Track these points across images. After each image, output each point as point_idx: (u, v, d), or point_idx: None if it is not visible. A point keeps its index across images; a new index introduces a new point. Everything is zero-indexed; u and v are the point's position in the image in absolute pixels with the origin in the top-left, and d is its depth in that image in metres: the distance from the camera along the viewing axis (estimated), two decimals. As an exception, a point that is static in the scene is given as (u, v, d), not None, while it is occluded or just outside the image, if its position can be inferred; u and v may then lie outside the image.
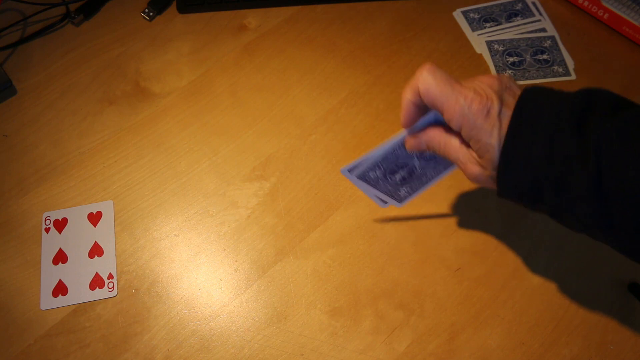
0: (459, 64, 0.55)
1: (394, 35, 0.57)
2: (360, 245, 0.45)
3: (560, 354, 0.41)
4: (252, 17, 0.58)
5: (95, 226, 0.46)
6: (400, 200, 0.43)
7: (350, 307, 0.43)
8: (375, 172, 0.40)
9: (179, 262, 0.45)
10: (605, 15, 0.57)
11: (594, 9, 0.57)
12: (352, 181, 0.41)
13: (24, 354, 0.41)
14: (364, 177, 0.41)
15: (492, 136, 0.33)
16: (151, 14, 0.58)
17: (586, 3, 0.58)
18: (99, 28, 0.57)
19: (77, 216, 0.46)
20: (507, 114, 0.33)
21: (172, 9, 0.59)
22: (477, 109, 0.34)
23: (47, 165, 0.49)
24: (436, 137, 0.37)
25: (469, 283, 0.44)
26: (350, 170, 0.40)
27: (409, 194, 0.43)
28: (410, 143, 0.38)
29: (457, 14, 0.59)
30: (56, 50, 0.56)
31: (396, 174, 0.41)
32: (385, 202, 0.43)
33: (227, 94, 0.53)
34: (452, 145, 0.36)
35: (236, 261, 0.45)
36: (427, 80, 0.37)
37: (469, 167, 0.36)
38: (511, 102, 0.34)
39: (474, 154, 0.35)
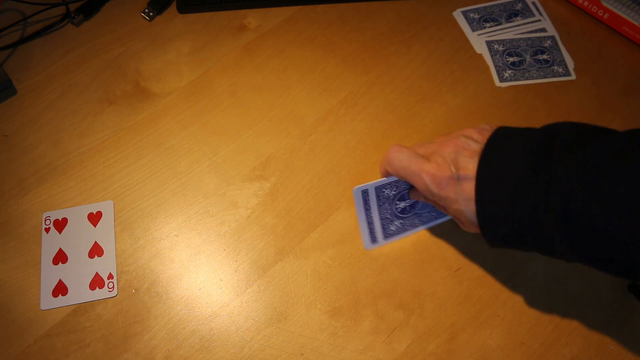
0: (459, 64, 0.55)
1: (394, 35, 0.57)
2: (360, 245, 0.45)
3: (560, 354, 0.41)
4: (252, 17, 0.58)
5: (95, 226, 0.46)
6: (385, 237, 0.44)
7: (350, 307, 0.43)
8: (390, 191, 0.42)
9: (179, 262, 0.45)
10: (605, 15, 0.57)
11: (594, 9, 0.57)
12: (357, 204, 0.42)
13: (24, 354, 0.41)
14: (378, 191, 0.42)
15: (458, 202, 0.35)
16: (151, 14, 0.58)
17: (586, 3, 0.58)
18: (99, 28, 0.57)
19: (77, 216, 0.46)
20: (466, 177, 0.34)
21: (172, 9, 0.59)
22: (437, 183, 0.35)
23: (47, 165, 0.49)
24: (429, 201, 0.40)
25: (469, 283, 0.44)
26: (364, 191, 0.41)
27: (397, 233, 0.45)
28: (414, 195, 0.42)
29: (457, 14, 0.59)
30: (56, 50, 0.56)
31: (402, 202, 0.43)
32: (373, 240, 0.44)
33: (227, 94, 0.53)
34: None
35: (236, 261, 0.45)
36: (394, 164, 0.39)
37: (461, 225, 0.38)
38: (468, 164, 0.35)
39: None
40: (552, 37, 0.56)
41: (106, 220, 0.46)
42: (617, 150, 0.29)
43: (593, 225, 0.29)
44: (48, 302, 0.42)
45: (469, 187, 0.34)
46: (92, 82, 0.54)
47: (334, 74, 0.54)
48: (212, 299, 0.43)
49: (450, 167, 0.35)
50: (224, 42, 0.56)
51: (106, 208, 0.47)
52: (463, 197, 0.34)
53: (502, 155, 0.34)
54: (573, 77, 0.54)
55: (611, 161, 0.29)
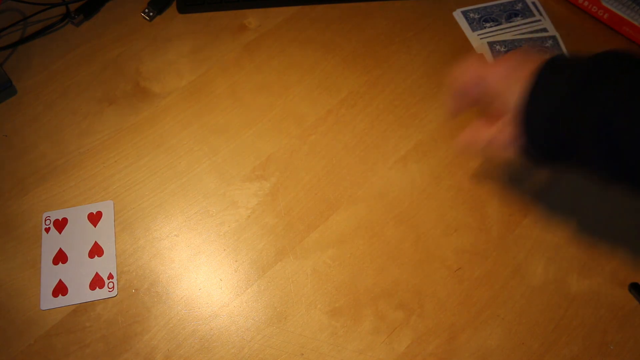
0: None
1: (394, 35, 0.57)
2: (360, 245, 0.45)
3: (560, 354, 0.41)
4: (252, 17, 0.58)
5: (95, 226, 0.46)
6: None
7: (350, 307, 0.43)
8: None
9: (179, 262, 0.45)
10: (605, 15, 0.57)
11: (594, 9, 0.57)
12: None
13: (24, 354, 0.41)
14: None
15: (514, 92, 0.36)
16: (151, 14, 0.58)
17: (586, 3, 0.58)
18: (99, 28, 0.57)
19: (77, 216, 0.46)
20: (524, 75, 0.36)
21: (172, 9, 0.59)
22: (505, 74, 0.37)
23: (47, 165, 0.49)
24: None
25: (469, 283, 0.44)
26: None
27: None
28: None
29: (457, 14, 0.59)
30: (56, 50, 0.56)
31: None
32: None
33: (227, 94, 0.53)
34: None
35: (236, 261, 0.45)
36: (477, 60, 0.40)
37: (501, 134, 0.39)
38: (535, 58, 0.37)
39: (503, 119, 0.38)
40: (554, 37, 0.56)
41: (106, 220, 0.46)
42: None
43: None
44: (48, 302, 0.42)
45: (527, 75, 0.36)
46: (92, 82, 0.54)
47: (334, 74, 0.54)
48: (212, 299, 0.43)
49: (516, 64, 0.37)
50: (224, 42, 0.56)
51: (106, 208, 0.47)
52: (521, 83, 0.36)
53: (565, 63, 0.36)
54: (573, 77, 0.54)
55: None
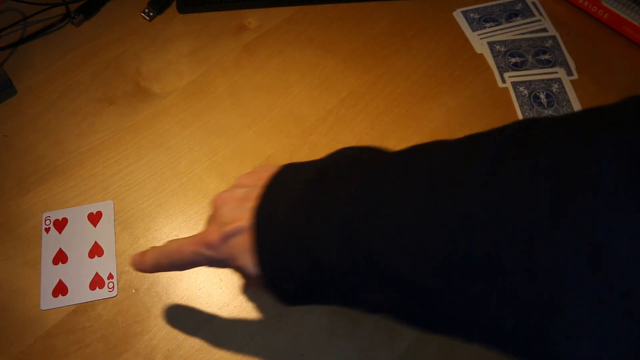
0: (459, 64, 0.55)
1: (394, 35, 0.57)
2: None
3: (560, 354, 0.41)
4: (252, 17, 0.58)
5: (95, 226, 0.46)
6: None
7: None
8: None
9: (179, 262, 0.45)
10: (605, 15, 0.57)
11: (594, 9, 0.57)
12: None
13: (24, 354, 0.41)
14: None
15: (237, 258, 0.30)
16: (151, 14, 0.58)
17: (586, 3, 0.58)
18: (99, 28, 0.57)
19: (77, 216, 0.46)
20: (239, 229, 0.30)
21: (172, 9, 0.59)
22: (210, 247, 0.31)
23: (47, 165, 0.49)
24: None
25: (469, 283, 0.44)
26: None
27: None
28: None
29: (457, 14, 0.59)
30: (56, 50, 0.56)
31: None
32: None
33: (227, 94, 0.53)
34: None
35: (236, 261, 0.45)
36: (170, 257, 0.34)
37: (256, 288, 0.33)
38: (240, 214, 0.30)
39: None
40: (554, 37, 0.56)
41: (106, 220, 0.46)
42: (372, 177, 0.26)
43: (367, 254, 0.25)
44: (48, 302, 0.42)
45: (244, 239, 0.29)
46: (92, 82, 0.54)
47: (334, 74, 0.54)
48: (212, 299, 0.43)
49: (220, 225, 0.31)
50: (224, 42, 0.56)
51: (106, 208, 0.47)
52: (240, 250, 0.29)
53: (279, 194, 0.29)
54: (575, 76, 0.54)
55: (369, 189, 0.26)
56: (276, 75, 0.54)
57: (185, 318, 0.42)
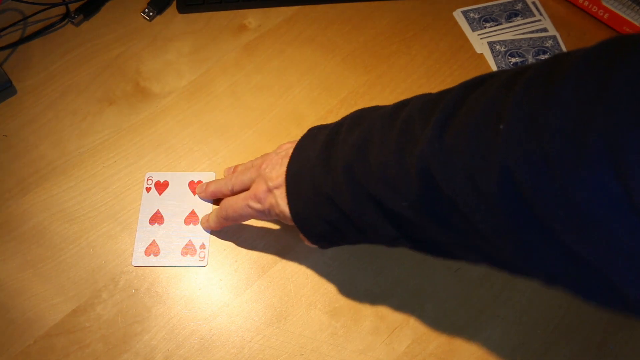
0: (459, 64, 0.55)
1: (394, 35, 0.57)
2: (360, 244, 0.45)
3: (560, 353, 0.41)
4: (252, 17, 0.58)
5: (194, 194, 0.47)
6: None
7: (350, 307, 0.43)
8: None
9: (179, 262, 0.45)
10: (605, 15, 0.57)
11: (594, 9, 0.57)
12: None
13: (24, 354, 0.41)
14: None
15: (279, 205, 0.37)
16: (151, 14, 0.58)
17: (586, 3, 0.58)
18: (99, 28, 0.57)
19: (178, 181, 0.47)
20: (278, 185, 0.37)
21: (172, 9, 0.59)
22: (258, 200, 0.39)
23: (47, 165, 0.49)
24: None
25: (469, 283, 0.44)
26: None
27: None
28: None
29: (457, 14, 0.59)
30: (56, 50, 0.56)
31: None
32: None
33: (227, 94, 0.53)
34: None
35: (236, 261, 0.45)
36: (228, 214, 0.42)
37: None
38: (278, 172, 0.38)
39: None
40: (554, 37, 0.56)
41: None
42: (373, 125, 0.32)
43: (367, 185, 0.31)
44: (140, 259, 0.44)
45: (282, 190, 0.37)
46: (92, 82, 0.54)
47: (334, 74, 0.54)
48: (212, 299, 0.43)
49: (266, 181, 0.38)
50: (224, 42, 0.56)
51: (208, 178, 0.48)
52: (281, 199, 0.37)
53: (304, 153, 0.36)
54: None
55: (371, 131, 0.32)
56: (276, 75, 0.54)
57: (185, 318, 0.42)
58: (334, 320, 0.42)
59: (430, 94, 0.31)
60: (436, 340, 0.41)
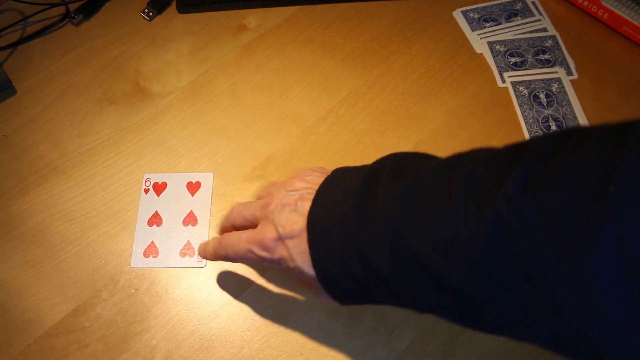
0: (459, 64, 0.55)
1: (394, 35, 0.57)
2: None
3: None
4: (252, 17, 0.58)
5: (192, 195, 0.47)
6: None
7: (350, 307, 0.43)
8: None
9: (179, 262, 0.45)
10: (605, 15, 0.57)
11: (594, 9, 0.57)
12: None
13: (24, 354, 0.41)
14: None
15: (293, 259, 0.32)
16: (151, 14, 0.58)
17: (586, 3, 0.58)
18: (99, 28, 0.57)
19: (176, 182, 0.47)
20: (292, 234, 0.32)
21: (172, 9, 0.59)
22: (265, 248, 0.33)
23: (47, 165, 0.49)
24: None
25: (469, 283, 0.44)
26: None
27: None
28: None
29: (457, 14, 0.59)
30: (56, 50, 0.56)
31: None
32: None
33: (227, 94, 0.53)
34: None
35: (236, 261, 0.45)
36: (228, 252, 0.37)
37: (311, 291, 0.35)
38: (293, 219, 0.32)
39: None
40: (554, 37, 0.56)
41: (204, 191, 0.47)
42: (432, 177, 0.27)
43: (415, 256, 0.26)
44: (139, 261, 0.44)
45: (300, 242, 0.31)
46: (92, 82, 0.54)
47: (334, 74, 0.54)
48: (212, 299, 0.43)
49: (277, 227, 0.32)
50: (224, 42, 0.56)
51: (206, 179, 0.47)
52: (297, 252, 0.31)
53: (330, 199, 0.31)
54: (575, 76, 0.54)
55: (426, 188, 0.27)
56: (276, 75, 0.54)
57: (185, 318, 0.42)
58: (334, 320, 0.42)
59: (493, 148, 0.27)
60: (436, 340, 0.41)
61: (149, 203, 0.46)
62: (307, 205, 0.32)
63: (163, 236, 0.45)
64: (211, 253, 0.38)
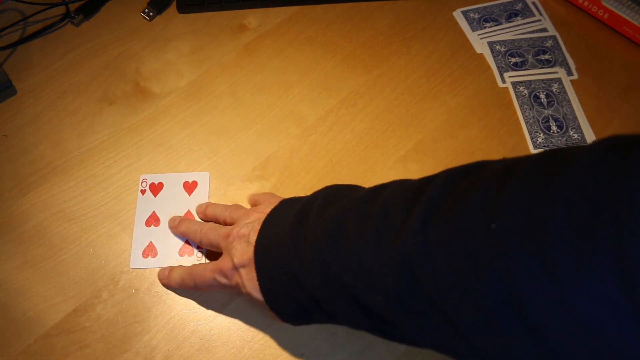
0: (459, 64, 0.55)
1: (394, 35, 0.57)
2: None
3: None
4: (252, 17, 0.58)
5: (189, 195, 0.47)
6: None
7: (350, 307, 0.43)
8: None
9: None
10: (605, 15, 0.57)
11: (594, 9, 0.57)
12: None
13: (24, 354, 0.41)
14: None
15: (245, 286, 0.36)
16: (151, 14, 0.58)
17: (586, 3, 0.58)
18: (99, 28, 0.57)
19: (173, 182, 0.47)
20: (243, 263, 0.36)
21: (172, 9, 0.59)
22: (224, 275, 0.37)
23: (47, 165, 0.49)
24: None
25: (469, 283, 0.44)
26: None
27: None
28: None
29: (457, 14, 0.59)
30: (56, 50, 0.56)
31: None
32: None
33: (227, 94, 0.53)
34: None
35: (236, 261, 0.45)
36: (196, 280, 0.41)
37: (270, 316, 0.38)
38: (243, 250, 0.36)
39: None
40: (554, 37, 0.56)
41: (201, 191, 0.47)
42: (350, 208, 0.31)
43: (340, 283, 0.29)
44: (138, 261, 0.44)
45: (250, 270, 0.35)
46: (92, 82, 0.54)
47: (334, 74, 0.54)
48: (212, 299, 0.43)
49: (232, 258, 0.36)
50: (224, 42, 0.56)
51: (202, 178, 0.47)
52: (247, 279, 0.35)
53: (273, 229, 0.35)
54: (575, 76, 0.54)
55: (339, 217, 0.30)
56: (276, 75, 0.54)
57: (185, 318, 0.42)
58: (334, 320, 0.42)
59: (409, 180, 0.30)
60: (436, 340, 0.41)
61: (146, 204, 0.46)
62: (254, 236, 0.35)
63: (161, 236, 0.45)
64: (177, 281, 0.41)
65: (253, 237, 0.35)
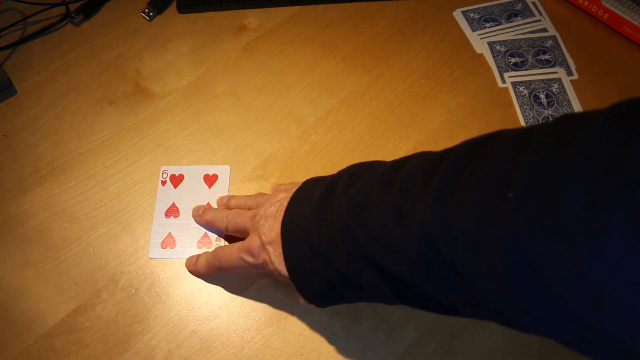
0: (459, 64, 0.55)
1: (394, 35, 0.57)
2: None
3: (561, 354, 0.41)
4: (252, 17, 0.58)
5: (209, 187, 0.47)
6: None
7: (350, 307, 0.43)
8: None
9: (179, 262, 0.45)
10: (605, 15, 0.57)
11: (594, 9, 0.57)
12: None
13: (24, 354, 0.41)
14: None
15: (272, 262, 0.36)
16: (151, 14, 0.58)
17: (586, 3, 0.58)
18: (99, 28, 0.57)
19: (193, 175, 0.48)
20: (271, 240, 0.36)
21: (172, 9, 0.59)
22: (251, 254, 0.38)
23: (47, 165, 0.49)
24: None
25: (469, 283, 0.44)
26: None
27: None
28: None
29: (457, 14, 0.59)
30: (56, 50, 0.56)
31: None
32: None
33: (227, 94, 0.53)
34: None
35: (236, 261, 0.45)
36: (221, 263, 0.41)
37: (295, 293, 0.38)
38: (270, 227, 0.37)
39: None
40: (554, 37, 0.56)
41: (221, 184, 0.47)
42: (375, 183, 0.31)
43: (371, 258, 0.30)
44: (156, 252, 0.44)
45: (277, 246, 0.36)
46: (92, 82, 0.54)
47: (334, 74, 0.54)
48: (212, 299, 0.43)
49: (260, 235, 0.37)
50: (224, 42, 0.56)
51: (223, 172, 0.48)
52: (274, 256, 0.36)
53: (299, 207, 0.35)
54: (575, 76, 0.54)
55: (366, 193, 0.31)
56: (276, 75, 0.54)
57: (185, 318, 0.42)
58: (334, 320, 0.42)
59: (430, 152, 0.30)
60: (436, 341, 0.41)
61: (166, 195, 0.47)
62: (281, 215, 0.36)
63: (180, 228, 0.45)
64: (204, 266, 0.42)
65: (280, 215, 0.36)
